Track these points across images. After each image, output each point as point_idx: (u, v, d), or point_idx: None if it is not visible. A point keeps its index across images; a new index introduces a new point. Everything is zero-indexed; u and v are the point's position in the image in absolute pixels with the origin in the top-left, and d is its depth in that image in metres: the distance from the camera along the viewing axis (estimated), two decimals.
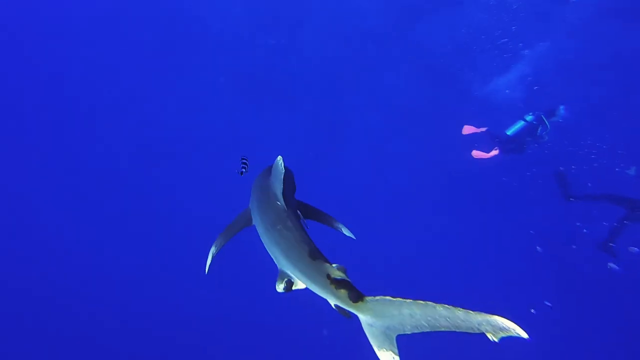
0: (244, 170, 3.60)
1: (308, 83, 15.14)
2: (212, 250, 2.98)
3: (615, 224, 9.05)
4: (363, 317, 2.07)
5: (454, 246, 14.80)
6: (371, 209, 14.88)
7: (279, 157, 2.55)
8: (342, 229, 3.04)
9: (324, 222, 3.05)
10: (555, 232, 12.98)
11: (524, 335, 1.64)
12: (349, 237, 3.08)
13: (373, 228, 13.42)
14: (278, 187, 2.58)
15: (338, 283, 2.14)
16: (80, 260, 14.34)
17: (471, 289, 12.94)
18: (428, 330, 1.87)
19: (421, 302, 1.85)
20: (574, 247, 9.41)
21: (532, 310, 11.59)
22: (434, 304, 1.81)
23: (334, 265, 2.23)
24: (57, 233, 14.73)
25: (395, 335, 1.99)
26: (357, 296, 2.07)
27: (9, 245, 14.06)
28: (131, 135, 15.83)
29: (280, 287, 2.43)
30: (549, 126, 9.93)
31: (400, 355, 1.98)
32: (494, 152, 10.25)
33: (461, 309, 1.74)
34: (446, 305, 1.78)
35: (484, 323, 1.70)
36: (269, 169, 2.94)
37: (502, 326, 1.66)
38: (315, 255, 2.28)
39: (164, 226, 15.29)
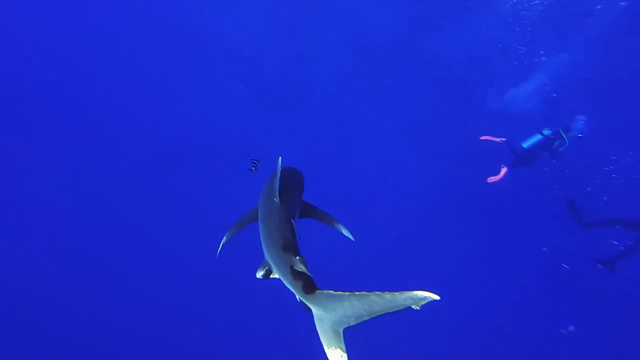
0: (253, 168, 3.83)
1: (322, 91, 15.20)
2: (224, 239, 3.28)
3: (630, 243, 8.92)
4: (315, 310, 2.23)
5: (461, 259, 14.63)
6: (380, 219, 14.76)
7: (279, 158, 2.75)
8: (342, 230, 3.17)
9: (327, 222, 3.19)
10: (573, 249, 12.71)
11: (437, 297, 1.91)
12: (350, 239, 3.24)
13: (381, 240, 13.39)
14: (276, 185, 2.74)
15: (298, 274, 2.33)
16: (86, 260, 14.43)
17: (484, 307, 12.84)
18: (367, 318, 2.09)
19: (357, 292, 2.08)
20: (599, 266, 9.19)
21: (563, 331, 11.41)
22: (367, 292, 2.06)
23: (297, 257, 2.39)
24: (65, 233, 14.87)
25: (342, 329, 2.16)
26: (310, 288, 2.24)
27: (18, 245, 14.26)
28: (150, 139, 16.14)
29: (259, 274, 2.67)
30: (567, 141, 9.78)
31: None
32: (503, 171, 10.21)
33: (388, 293, 2.01)
34: (376, 292, 2.04)
35: (408, 299, 1.97)
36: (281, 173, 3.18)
37: (421, 297, 1.93)
38: (287, 248, 2.47)
39: (172, 227, 15.39)
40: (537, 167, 10.61)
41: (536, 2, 12.96)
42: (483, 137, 10.68)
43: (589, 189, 9.89)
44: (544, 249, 13.22)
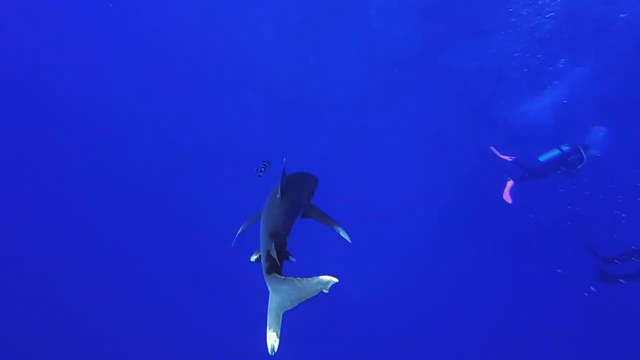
0: (262, 169, 4.01)
1: (334, 103, 15.17)
2: (239, 230, 3.50)
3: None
4: (270, 291, 2.51)
5: (468, 271, 14.29)
6: (390, 229, 14.53)
7: (284, 159, 3.05)
8: (340, 232, 3.30)
9: (327, 223, 3.36)
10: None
11: (335, 280, 2.24)
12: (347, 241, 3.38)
13: (387, 248, 13.18)
14: (279, 184, 3.07)
15: (269, 258, 2.62)
16: (90, 261, 14.41)
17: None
18: (297, 303, 2.36)
19: (289, 278, 2.38)
20: (622, 281, 8.71)
21: None
22: (293, 278, 2.36)
23: (273, 244, 2.66)
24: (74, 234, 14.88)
25: (282, 312, 2.41)
26: (270, 271, 2.52)
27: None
28: (162, 145, 16.25)
29: (253, 258, 2.89)
30: (585, 158, 9.36)
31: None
32: (509, 184, 9.90)
33: (305, 278, 2.31)
34: (298, 278, 2.33)
35: (318, 284, 2.27)
36: (292, 174, 3.47)
37: (326, 281, 2.25)
38: (272, 236, 2.76)
39: (179, 230, 15.35)
40: (550, 181, 10.24)
41: (550, 14, 12.65)
42: (492, 149, 10.38)
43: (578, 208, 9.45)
44: (558, 270, 12.75)
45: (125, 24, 16.24)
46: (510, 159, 9.97)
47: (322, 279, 2.25)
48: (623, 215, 12.26)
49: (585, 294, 11.11)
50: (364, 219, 13.36)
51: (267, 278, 2.51)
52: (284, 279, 2.41)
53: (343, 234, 3.29)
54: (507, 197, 9.96)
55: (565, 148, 9.57)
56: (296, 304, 2.38)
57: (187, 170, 16.20)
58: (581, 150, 9.37)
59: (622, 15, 12.84)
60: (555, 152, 9.67)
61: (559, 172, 9.62)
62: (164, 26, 16.09)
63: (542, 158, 9.87)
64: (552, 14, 12.81)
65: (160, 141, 16.32)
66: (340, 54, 14.78)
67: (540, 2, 12.82)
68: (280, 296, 2.41)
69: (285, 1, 15.18)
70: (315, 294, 2.31)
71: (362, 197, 14.78)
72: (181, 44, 16.37)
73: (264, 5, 15.48)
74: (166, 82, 16.56)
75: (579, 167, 9.38)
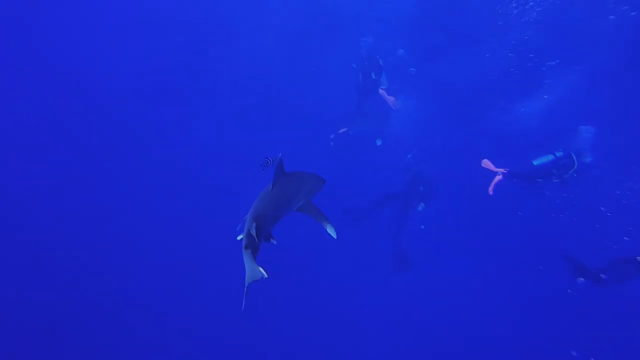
0: (267, 163, 4.18)
1: (332, 110, 15.28)
2: (246, 217, 3.73)
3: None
4: (245, 263, 2.90)
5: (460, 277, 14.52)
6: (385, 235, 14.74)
7: (280, 154, 3.40)
8: (327, 228, 3.47)
9: (316, 219, 3.56)
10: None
11: (266, 276, 2.72)
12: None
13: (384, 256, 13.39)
14: (273, 175, 3.40)
15: (249, 235, 3.00)
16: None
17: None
18: (252, 280, 2.80)
19: (251, 258, 2.87)
20: (603, 276, 8.96)
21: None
22: (252, 260, 2.86)
23: (254, 224, 3.01)
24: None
25: (248, 283, 2.82)
26: (248, 247, 2.94)
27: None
28: (160, 147, 16.12)
29: (239, 237, 3.19)
30: (576, 164, 9.69)
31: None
32: (497, 178, 10.22)
33: (255, 265, 2.81)
34: (254, 265, 2.81)
35: (259, 272, 2.76)
36: (297, 171, 3.74)
37: (262, 273, 2.74)
38: (256, 217, 3.11)
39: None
40: (541, 184, 10.54)
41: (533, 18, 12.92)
42: (484, 165, 10.62)
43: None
44: (540, 267, 12.90)
45: (124, 25, 16.18)
46: (504, 171, 10.27)
47: (260, 269, 2.75)
48: (609, 214, 12.57)
49: (568, 290, 11.26)
50: (363, 221, 13.56)
51: (244, 252, 2.94)
52: (245, 257, 2.89)
53: (330, 230, 3.46)
54: (491, 189, 10.28)
55: (559, 154, 9.88)
56: (251, 281, 2.79)
57: (187, 171, 16.18)
58: (573, 156, 9.69)
59: (611, 17, 13.15)
60: (549, 157, 9.97)
61: (555, 180, 9.92)
62: (164, 28, 16.18)
63: (536, 162, 10.19)
64: (535, 16, 13.11)
65: (159, 143, 16.20)
66: (337, 63, 14.89)
67: (527, 7, 13.11)
68: (247, 270, 2.84)
69: (283, 10, 15.45)
70: (257, 278, 2.75)
71: (362, 200, 14.99)
72: (180, 45, 16.50)
73: (262, 11, 15.66)
74: (166, 83, 16.51)
75: (571, 172, 9.70)
